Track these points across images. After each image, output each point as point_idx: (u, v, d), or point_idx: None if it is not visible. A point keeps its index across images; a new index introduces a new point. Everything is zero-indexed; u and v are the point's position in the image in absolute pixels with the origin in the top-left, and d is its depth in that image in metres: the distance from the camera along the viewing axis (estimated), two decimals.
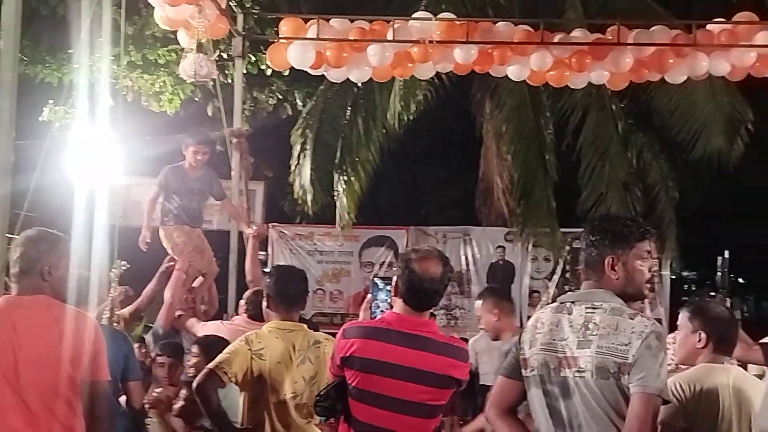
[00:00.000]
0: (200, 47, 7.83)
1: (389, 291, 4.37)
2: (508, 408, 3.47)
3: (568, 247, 14.19)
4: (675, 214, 14.03)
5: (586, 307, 3.30)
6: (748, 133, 12.23)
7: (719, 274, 5.80)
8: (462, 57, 8.38)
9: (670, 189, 14.13)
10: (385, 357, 3.81)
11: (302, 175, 12.98)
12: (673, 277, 17.20)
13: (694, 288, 23.82)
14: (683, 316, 4.11)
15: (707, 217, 20.18)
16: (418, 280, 3.84)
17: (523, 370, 3.39)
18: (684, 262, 17.68)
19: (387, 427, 3.81)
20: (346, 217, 13.35)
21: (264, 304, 4.82)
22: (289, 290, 4.73)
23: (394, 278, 4.00)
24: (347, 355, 3.84)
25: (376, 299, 3.91)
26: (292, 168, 13.21)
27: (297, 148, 13.10)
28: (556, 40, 8.48)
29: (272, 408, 4.52)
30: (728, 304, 5.21)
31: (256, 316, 6.14)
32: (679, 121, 12.34)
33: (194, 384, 4.47)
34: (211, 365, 4.50)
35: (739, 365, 4.48)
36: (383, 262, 14.66)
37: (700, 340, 4.00)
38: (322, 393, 3.98)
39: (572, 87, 9.44)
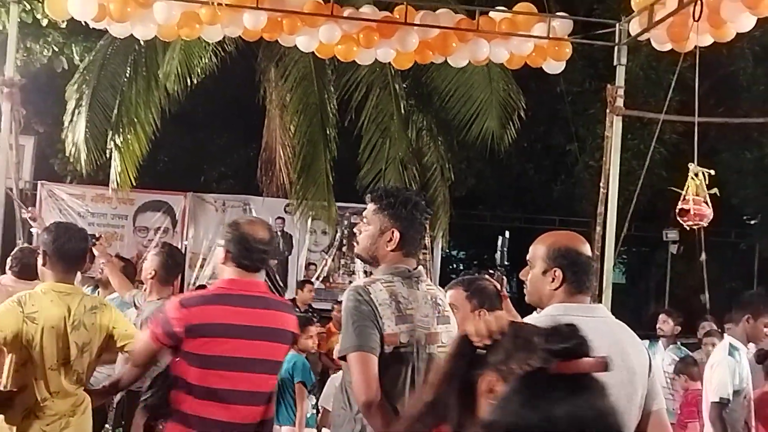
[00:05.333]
0: None
1: None
2: None
3: (347, 222, 14.43)
4: (448, 195, 14.55)
5: None
6: (520, 121, 12.83)
7: (499, 252, 5.99)
8: (251, 23, 8.26)
9: (445, 170, 14.60)
10: (230, 319, 3.86)
11: (76, 132, 12.42)
12: (443, 255, 17.85)
13: (461, 267, 24.76)
14: (458, 295, 4.15)
15: (476, 199, 21.05)
16: (250, 242, 3.96)
17: None
18: (453, 241, 18.34)
19: (237, 388, 3.85)
20: (120, 179, 12.86)
21: (39, 262, 4.53)
22: (68, 249, 4.47)
23: (219, 248, 4.10)
24: (192, 323, 3.83)
25: None
26: (66, 124, 12.61)
27: (72, 104, 12.52)
28: (345, 14, 8.53)
29: (41, 373, 4.30)
30: (505, 283, 5.42)
31: (21, 273, 5.90)
32: (456, 104, 12.73)
33: None
34: None
35: None
36: (159, 228, 14.33)
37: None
38: (150, 389, 3.99)
39: (359, 63, 9.54)
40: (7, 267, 6.08)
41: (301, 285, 11.70)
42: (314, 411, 7.84)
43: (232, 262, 3.99)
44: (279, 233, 14.59)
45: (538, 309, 3.31)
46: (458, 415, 1.85)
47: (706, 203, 6.81)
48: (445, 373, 1.91)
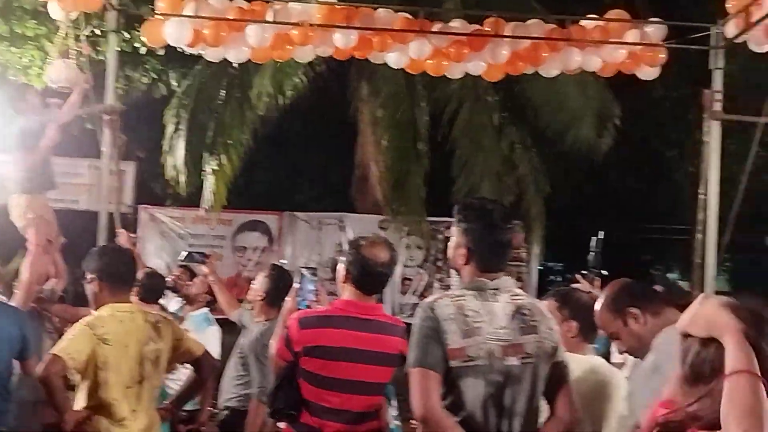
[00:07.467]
0: (66, 53, 7.49)
1: (315, 281, 4.51)
2: None
3: (441, 236, 14.36)
4: (544, 206, 14.35)
5: None
6: (616, 129, 12.60)
7: (591, 254, 5.89)
8: (342, 42, 8.33)
9: (540, 182, 14.42)
10: (345, 343, 3.95)
11: (175, 156, 12.70)
12: (540, 267, 17.66)
13: (560, 279, 24.44)
14: (551, 306, 4.08)
15: (574, 210, 20.74)
16: (370, 265, 4.02)
17: None
18: (551, 253, 18.10)
19: (346, 408, 3.96)
20: (213, 200, 13.05)
21: (93, 287, 4.58)
22: (123, 271, 4.66)
23: (340, 266, 4.13)
24: (311, 345, 3.95)
25: (302, 289, 3.96)
26: (165, 149, 12.91)
27: (170, 129, 12.81)
28: (435, 29, 8.52)
29: (119, 393, 4.37)
30: (597, 284, 5.31)
31: (147, 298, 6.08)
32: (550, 115, 12.60)
33: (39, 372, 4.26)
34: (55, 350, 4.30)
35: (602, 354, 4.60)
36: (257, 247, 14.52)
37: (570, 330, 4.04)
38: (276, 395, 4.07)
39: (450, 77, 9.50)
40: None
41: None
42: (396, 422, 7.82)
43: (352, 283, 4.06)
44: None
45: None
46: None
47: None
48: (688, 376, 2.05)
